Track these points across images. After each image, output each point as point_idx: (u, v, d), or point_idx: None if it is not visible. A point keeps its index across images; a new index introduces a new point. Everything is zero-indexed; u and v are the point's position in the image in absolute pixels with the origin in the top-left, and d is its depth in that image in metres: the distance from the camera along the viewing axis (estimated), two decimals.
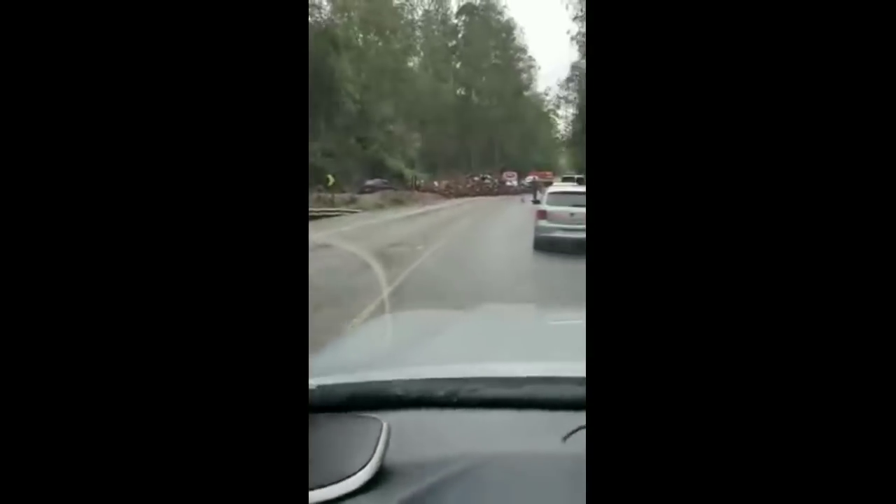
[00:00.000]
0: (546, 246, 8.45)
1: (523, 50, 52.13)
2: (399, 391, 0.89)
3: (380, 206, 20.20)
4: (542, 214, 8.85)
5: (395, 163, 28.58)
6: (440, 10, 48.54)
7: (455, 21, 49.00)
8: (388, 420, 0.76)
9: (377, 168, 26.70)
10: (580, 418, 0.66)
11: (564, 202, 8.59)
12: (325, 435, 0.75)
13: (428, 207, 21.12)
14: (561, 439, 0.75)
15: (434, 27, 48.08)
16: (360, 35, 26.85)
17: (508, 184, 35.67)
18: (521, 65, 52.20)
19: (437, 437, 0.82)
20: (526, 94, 52.77)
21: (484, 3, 48.71)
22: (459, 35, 48.75)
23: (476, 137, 46.63)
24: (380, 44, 28.80)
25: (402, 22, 38.62)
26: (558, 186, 12.10)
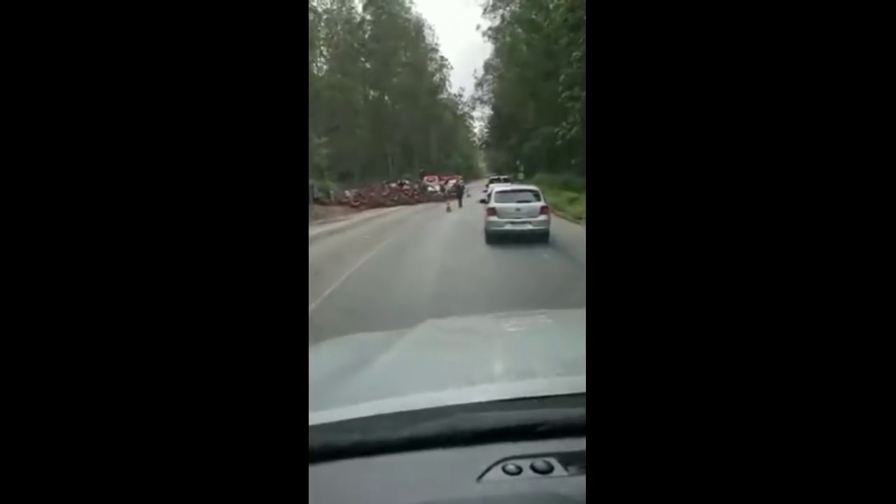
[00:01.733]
0: (496, 239, 9.43)
1: (435, 49, 49.71)
2: (331, 439, 0.75)
3: None
4: (493, 211, 9.76)
5: None
6: (343, 7, 44.78)
7: (360, 16, 45.47)
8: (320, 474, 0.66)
9: None
10: (503, 449, 0.66)
11: (511, 199, 9.80)
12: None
13: (317, 230, 13.97)
14: (475, 479, 0.66)
15: (339, 26, 44.27)
16: None
17: (430, 189, 31.53)
18: (433, 65, 49.70)
19: (342, 495, 0.70)
20: (441, 95, 50.27)
21: None
22: (366, 33, 45.27)
23: (393, 142, 43.28)
24: None
25: None
26: (502, 186, 12.67)
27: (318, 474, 0.66)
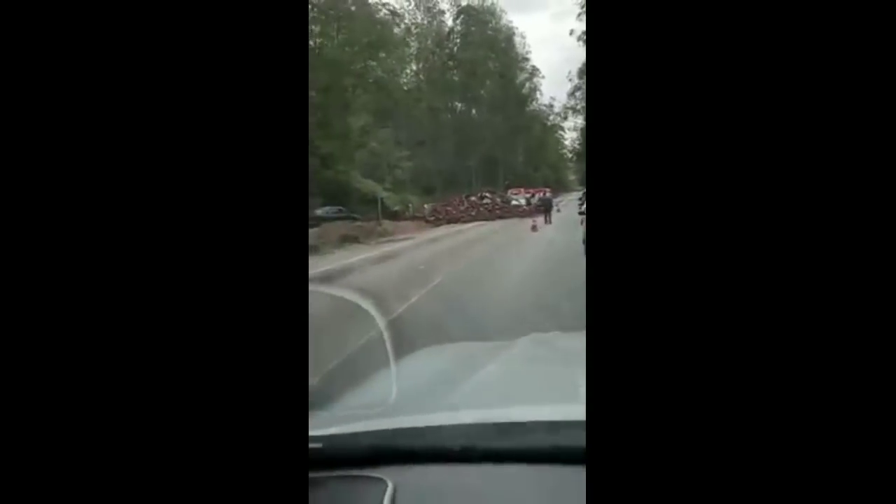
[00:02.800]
0: None
1: (525, 58, 47.93)
2: (413, 444, 0.79)
3: (314, 249, 11.88)
4: None
5: (367, 185, 22.89)
6: (434, 21, 44.29)
7: (451, 25, 44.72)
8: (396, 477, 0.71)
9: (341, 191, 21.25)
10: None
11: None
12: (325, 497, 0.71)
13: (384, 249, 13.12)
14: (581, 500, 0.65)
15: (429, 40, 43.84)
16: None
17: (515, 203, 29.12)
18: (523, 74, 47.96)
19: (451, 498, 0.74)
20: (530, 105, 48.35)
21: (481, 4, 44.54)
22: (456, 46, 44.45)
23: (478, 154, 41.89)
24: (341, 37, 23.57)
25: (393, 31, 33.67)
26: None
27: (428, 476, 0.74)
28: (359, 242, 15.34)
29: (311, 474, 0.67)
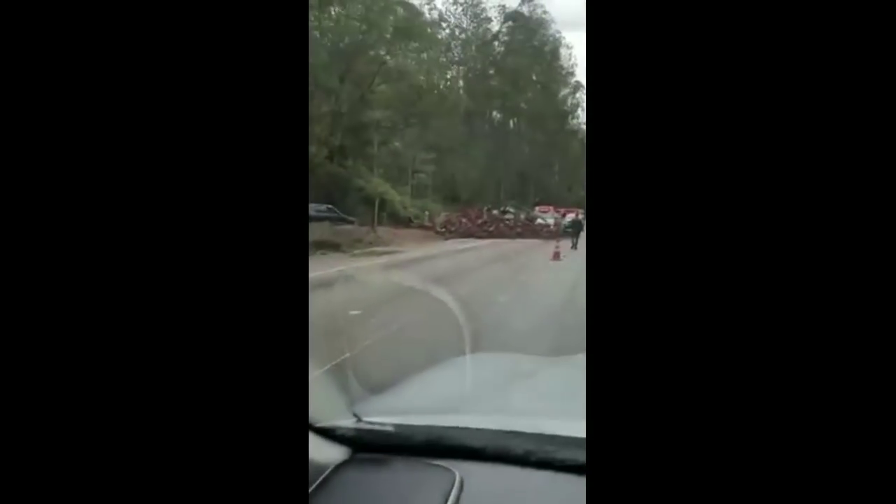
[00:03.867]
0: None
1: (570, 72, 45.63)
2: (476, 442, 0.83)
3: None
4: None
5: (374, 184, 20.59)
6: (480, 28, 42.49)
7: (497, 29, 42.84)
8: (461, 471, 0.75)
9: (337, 189, 18.92)
10: None
11: None
12: (395, 479, 0.77)
13: (353, 265, 10.16)
14: None
15: (473, 46, 42.07)
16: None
17: (540, 222, 25.67)
18: (566, 89, 45.68)
19: (511, 498, 0.78)
20: (571, 121, 45.94)
21: (531, 10, 42.62)
22: (499, 53, 42.55)
23: (511, 168, 39.73)
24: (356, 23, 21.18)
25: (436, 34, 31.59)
26: None
27: (494, 473, 0.77)
28: (340, 251, 12.80)
29: (378, 455, 0.79)
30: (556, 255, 13.11)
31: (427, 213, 24.88)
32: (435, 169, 29.09)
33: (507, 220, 25.68)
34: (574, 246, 16.17)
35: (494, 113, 42.58)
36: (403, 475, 0.77)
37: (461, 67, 40.39)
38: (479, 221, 23.91)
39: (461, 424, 0.86)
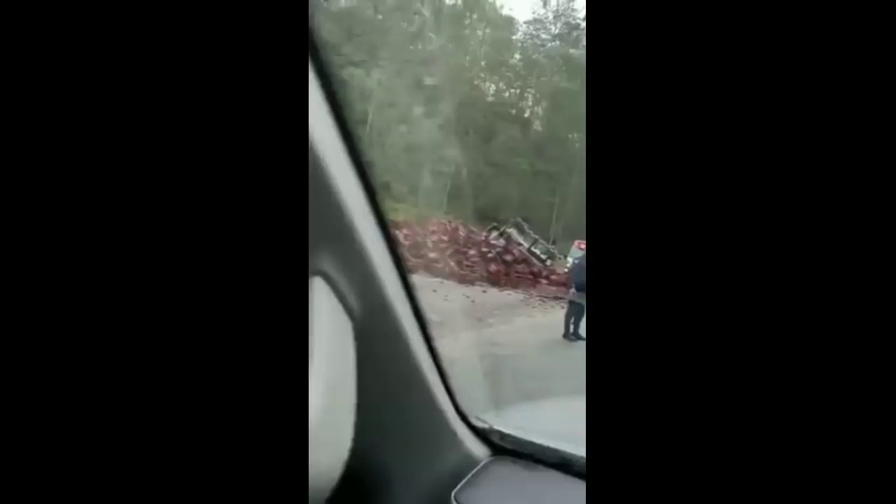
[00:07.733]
0: None
1: None
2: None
3: None
4: None
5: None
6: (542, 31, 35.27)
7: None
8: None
9: None
10: None
11: None
12: (541, 486, 0.85)
13: None
14: None
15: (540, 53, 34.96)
16: None
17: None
18: None
19: None
20: None
21: None
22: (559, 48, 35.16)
23: (565, 189, 32.19)
24: None
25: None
26: None
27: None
28: None
29: (523, 461, 0.89)
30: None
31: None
32: (451, 171, 22.40)
33: (517, 262, 15.48)
34: (569, 335, 8.62)
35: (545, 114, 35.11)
36: (549, 485, 0.84)
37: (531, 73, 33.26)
38: (470, 253, 14.36)
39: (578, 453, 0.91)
